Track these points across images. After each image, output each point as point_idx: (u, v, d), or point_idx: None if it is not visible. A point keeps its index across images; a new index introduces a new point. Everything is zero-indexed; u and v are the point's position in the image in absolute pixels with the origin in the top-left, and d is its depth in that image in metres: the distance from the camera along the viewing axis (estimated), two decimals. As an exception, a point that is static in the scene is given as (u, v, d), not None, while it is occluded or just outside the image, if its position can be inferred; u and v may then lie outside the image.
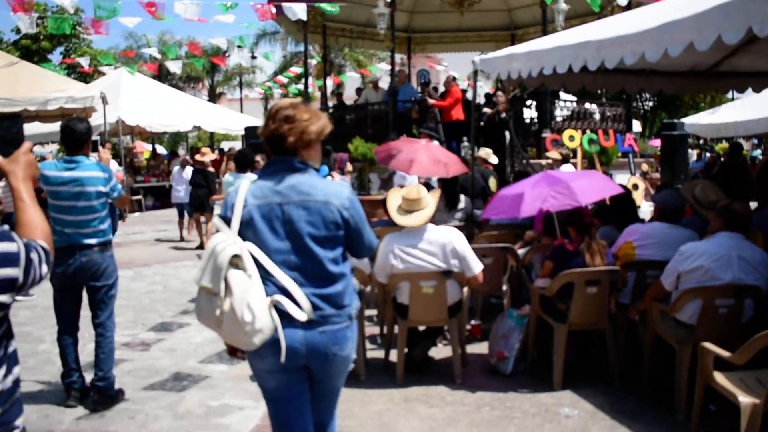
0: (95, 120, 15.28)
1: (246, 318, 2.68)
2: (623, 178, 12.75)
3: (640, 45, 5.67)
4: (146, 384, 5.65)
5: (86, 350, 5.44)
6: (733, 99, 32.47)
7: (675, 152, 14.60)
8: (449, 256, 5.28)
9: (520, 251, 6.56)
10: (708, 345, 4.05)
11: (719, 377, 4.01)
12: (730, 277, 4.51)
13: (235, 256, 2.74)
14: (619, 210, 6.57)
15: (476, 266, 5.35)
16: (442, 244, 5.28)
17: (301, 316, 2.76)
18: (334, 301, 2.86)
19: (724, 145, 36.17)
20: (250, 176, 8.11)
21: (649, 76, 9.35)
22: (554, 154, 10.72)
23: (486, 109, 13.65)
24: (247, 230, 2.85)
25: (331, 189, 2.92)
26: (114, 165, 11.90)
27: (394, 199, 5.44)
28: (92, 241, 5.09)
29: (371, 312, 7.41)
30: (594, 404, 4.99)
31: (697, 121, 22.23)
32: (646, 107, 40.23)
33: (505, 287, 6.78)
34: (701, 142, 33.31)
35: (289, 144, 2.89)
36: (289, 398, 2.97)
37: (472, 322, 6.66)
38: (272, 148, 2.96)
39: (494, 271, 6.54)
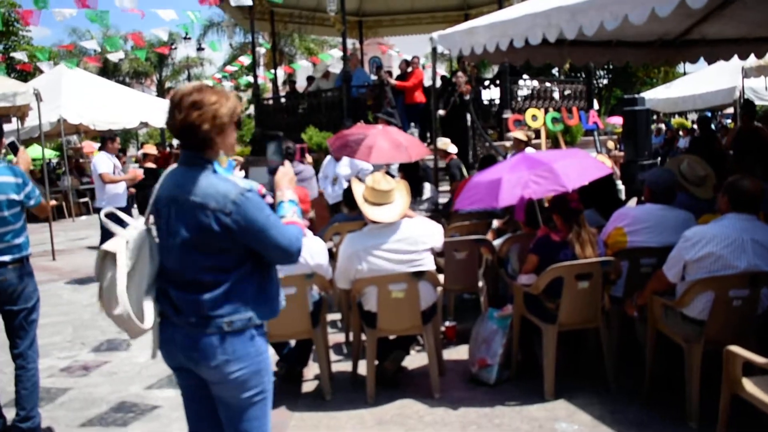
0: (32, 120, 14.35)
1: (115, 312, 2.60)
2: (590, 156, 12.27)
3: (622, 6, 5.08)
4: (82, 419, 4.89)
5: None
6: (685, 73, 32.57)
7: (637, 128, 14.19)
8: (422, 252, 4.67)
9: (495, 242, 5.93)
10: (736, 349, 3.46)
11: (749, 385, 3.42)
12: (745, 264, 3.92)
13: (111, 252, 2.65)
14: (600, 191, 5.97)
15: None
16: (413, 240, 4.64)
17: (147, 324, 2.65)
18: (197, 310, 2.65)
19: (679, 119, 36.29)
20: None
21: (615, 48, 8.89)
22: (519, 134, 10.05)
23: (440, 111, 12.93)
24: (154, 222, 2.79)
25: (212, 190, 2.61)
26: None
27: (358, 189, 4.78)
28: (6, 258, 4.34)
29: (335, 316, 6.76)
30: (593, 415, 4.39)
31: (654, 96, 22.00)
32: (600, 84, 40.06)
33: (480, 283, 6.14)
34: (654, 117, 33.25)
35: (203, 132, 2.63)
36: (185, 399, 2.93)
37: (446, 323, 6.03)
38: (184, 141, 2.71)
39: (468, 266, 5.92)
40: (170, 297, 2.68)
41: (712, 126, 27.49)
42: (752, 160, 8.70)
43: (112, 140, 10.84)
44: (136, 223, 2.74)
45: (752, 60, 12.09)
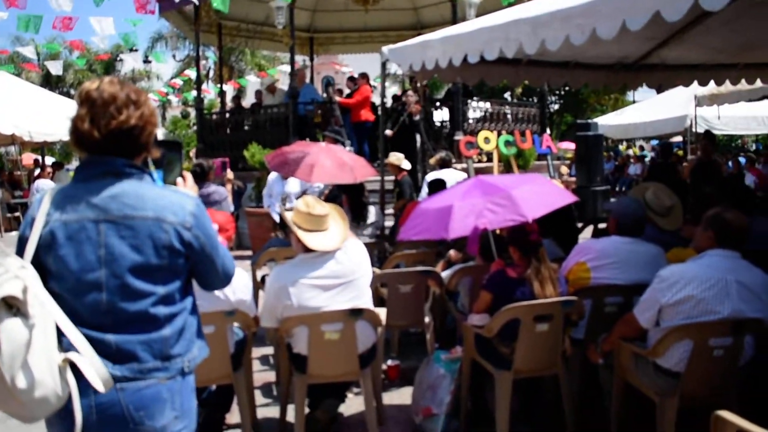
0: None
1: (19, 384, 1.90)
2: (543, 182, 11.89)
3: (589, 19, 4.57)
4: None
5: None
6: (634, 101, 32.86)
7: (590, 154, 13.95)
8: (362, 282, 4.09)
9: (444, 274, 5.36)
10: (727, 415, 2.93)
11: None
12: (729, 309, 3.43)
13: (13, 297, 1.92)
14: (558, 219, 5.45)
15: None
16: (350, 270, 4.05)
17: (99, 385, 2.01)
18: (159, 350, 2.15)
19: (625, 146, 36.57)
20: None
21: (573, 69, 8.45)
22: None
23: (388, 132, 12.41)
24: (47, 256, 2.12)
25: (166, 201, 2.19)
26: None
27: (288, 215, 4.16)
28: None
29: (267, 350, 6.13)
30: (551, 475, 3.86)
31: (605, 122, 21.95)
32: (551, 109, 40.23)
33: (427, 319, 5.55)
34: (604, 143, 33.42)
35: (146, 136, 2.21)
36: None
37: (389, 362, 5.45)
38: (112, 148, 2.16)
39: (414, 299, 5.33)
40: (105, 344, 2.09)
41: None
42: (712, 192, 8.34)
43: None
44: (15, 260, 2.04)
45: (705, 89, 11.90)
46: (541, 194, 4.46)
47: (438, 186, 7.25)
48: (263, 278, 6.54)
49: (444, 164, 9.35)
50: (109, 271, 2.11)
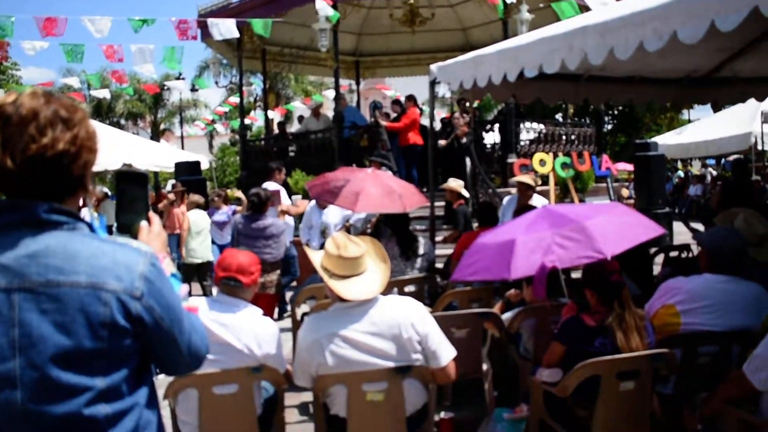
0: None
1: None
2: (603, 206, 11.19)
3: (669, 21, 3.94)
4: None
5: None
6: (689, 120, 31.86)
7: (651, 175, 13.28)
8: (407, 343, 3.40)
9: (504, 316, 4.71)
10: None
11: None
12: None
13: None
14: (632, 252, 4.76)
15: (445, 354, 3.48)
16: (394, 325, 3.39)
17: None
18: None
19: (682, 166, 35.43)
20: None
21: (638, 85, 7.81)
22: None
23: (441, 141, 12.01)
24: None
25: (106, 261, 1.59)
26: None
27: (315, 258, 3.55)
28: None
29: (307, 397, 5.54)
30: None
31: (663, 141, 21.17)
32: (604, 129, 39.29)
33: (485, 366, 4.90)
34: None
35: (79, 168, 1.62)
36: None
37: (441, 414, 4.81)
38: (33, 184, 1.58)
39: (470, 345, 4.69)
40: None
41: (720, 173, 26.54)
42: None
43: (279, 170, 9.57)
44: None
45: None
46: (621, 226, 3.81)
47: (488, 210, 6.62)
48: (303, 317, 6.01)
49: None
50: (25, 360, 1.52)
